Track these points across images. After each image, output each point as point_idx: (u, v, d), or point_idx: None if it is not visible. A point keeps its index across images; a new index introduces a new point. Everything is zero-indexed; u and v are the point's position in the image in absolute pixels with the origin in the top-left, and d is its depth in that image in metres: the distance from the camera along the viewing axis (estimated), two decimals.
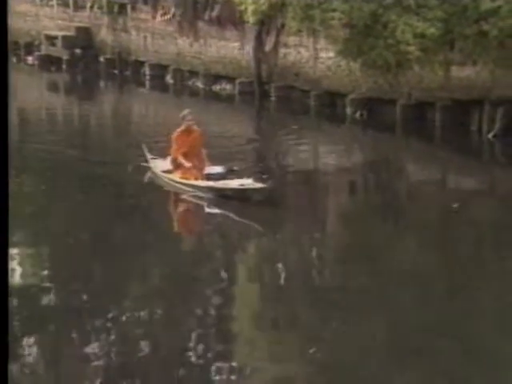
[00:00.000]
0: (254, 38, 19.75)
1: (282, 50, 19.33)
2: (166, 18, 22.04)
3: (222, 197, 10.88)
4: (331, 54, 17.73)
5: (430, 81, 15.83)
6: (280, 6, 18.56)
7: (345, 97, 17.71)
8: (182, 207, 11.77)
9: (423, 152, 15.17)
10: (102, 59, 24.52)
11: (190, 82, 22.01)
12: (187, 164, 11.54)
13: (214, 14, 20.98)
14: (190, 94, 21.59)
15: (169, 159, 12.04)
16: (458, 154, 14.62)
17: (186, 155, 11.66)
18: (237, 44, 20.64)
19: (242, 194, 10.70)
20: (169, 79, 22.56)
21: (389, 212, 11.05)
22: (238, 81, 20.47)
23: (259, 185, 10.81)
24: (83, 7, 25.15)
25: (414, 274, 8.40)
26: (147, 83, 22.87)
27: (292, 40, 19.04)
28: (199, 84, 21.74)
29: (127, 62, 23.79)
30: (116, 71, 23.92)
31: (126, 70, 23.71)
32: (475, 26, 14.66)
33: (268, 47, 19.55)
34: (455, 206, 10.77)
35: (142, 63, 23.44)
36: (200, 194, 11.21)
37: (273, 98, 19.53)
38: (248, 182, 10.91)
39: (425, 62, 15.44)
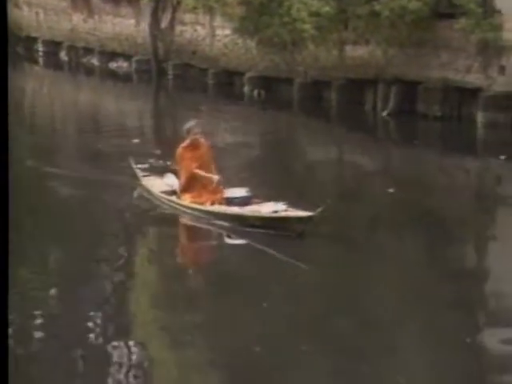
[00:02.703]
0: (149, 14, 19.47)
1: (179, 28, 19.14)
2: None
3: (250, 226, 8.66)
4: (228, 32, 17.67)
5: (325, 60, 15.99)
6: None
7: (242, 75, 17.70)
8: (195, 238, 9.53)
9: (320, 130, 15.34)
10: None
11: (85, 60, 21.53)
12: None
13: None
14: (85, 72, 21.14)
15: (166, 177, 10.16)
16: (354, 132, 14.86)
17: (193, 174, 9.52)
18: (132, 21, 20.31)
19: (282, 225, 8.48)
20: (63, 56, 22.02)
21: (286, 190, 11.11)
22: (134, 58, 20.17)
23: (306, 213, 8.45)
24: None
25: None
26: (41, 60, 22.27)
27: (188, 17, 18.86)
28: (95, 61, 21.30)
29: (19, 37, 23.06)
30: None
31: (18, 46, 22.99)
32: (367, 5, 14.87)
33: (164, 24, 19.32)
34: (391, 190, 10.73)
35: (34, 39, 22.80)
36: (218, 222, 9.00)
37: (170, 76, 19.34)
38: (281, 208, 8.76)
39: (319, 40, 15.57)
